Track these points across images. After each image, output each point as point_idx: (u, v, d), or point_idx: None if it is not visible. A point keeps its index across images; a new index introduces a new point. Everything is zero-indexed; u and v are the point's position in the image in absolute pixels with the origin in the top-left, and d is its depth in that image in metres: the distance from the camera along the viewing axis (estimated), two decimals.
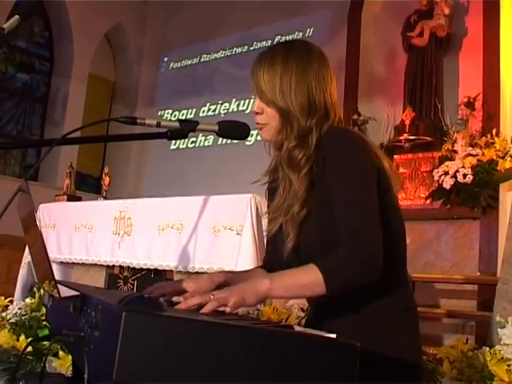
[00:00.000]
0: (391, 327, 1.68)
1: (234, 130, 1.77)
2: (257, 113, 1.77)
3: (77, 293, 1.47)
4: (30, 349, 3.47)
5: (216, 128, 1.72)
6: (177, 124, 1.68)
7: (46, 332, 1.33)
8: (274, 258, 1.88)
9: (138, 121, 1.65)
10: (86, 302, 1.26)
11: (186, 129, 1.68)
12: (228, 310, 1.40)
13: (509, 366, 2.76)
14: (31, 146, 8.91)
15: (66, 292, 1.56)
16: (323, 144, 1.68)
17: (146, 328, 0.97)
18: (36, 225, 1.50)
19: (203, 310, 1.34)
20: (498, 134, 6.28)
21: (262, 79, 1.73)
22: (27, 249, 4.87)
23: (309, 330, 1.30)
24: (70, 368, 3.31)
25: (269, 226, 1.86)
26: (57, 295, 1.47)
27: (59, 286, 1.52)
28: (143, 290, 1.72)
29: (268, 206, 1.91)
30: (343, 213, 1.59)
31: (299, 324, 3.05)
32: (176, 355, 0.98)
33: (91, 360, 1.09)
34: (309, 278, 1.52)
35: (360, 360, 1.08)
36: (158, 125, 1.67)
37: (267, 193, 1.93)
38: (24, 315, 4.21)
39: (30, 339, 3.80)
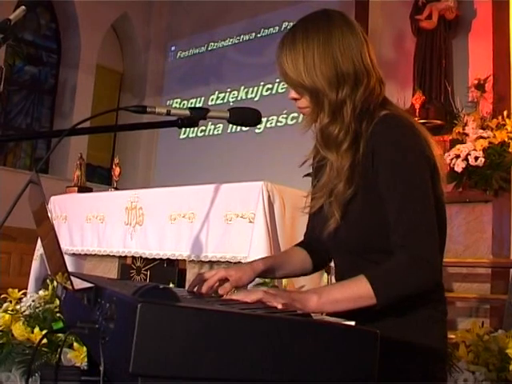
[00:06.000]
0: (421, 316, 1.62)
1: (245, 116, 1.74)
2: (294, 99, 1.70)
3: (90, 284, 1.46)
4: (44, 341, 3.48)
5: (227, 115, 1.69)
6: (187, 112, 1.66)
7: (61, 324, 1.32)
8: (312, 235, 1.84)
9: (148, 109, 1.62)
10: (100, 294, 1.25)
11: (197, 116, 1.66)
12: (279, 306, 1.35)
13: None
14: (41, 137, 8.91)
15: (79, 284, 1.55)
16: (373, 130, 1.60)
17: (161, 319, 0.96)
18: (48, 217, 1.48)
19: (247, 299, 1.35)
20: (509, 116, 6.21)
21: (286, 63, 1.65)
22: (39, 241, 4.88)
23: (326, 318, 1.28)
24: (85, 359, 3.32)
25: (311, 203, 1.77)
26: (70, 287, 1.46)
27: (72, 277, 1.51)
28: (156, 279, 1.71)
29: (312, 184, 1.82)
30: (399, 214, 1.53)
31: None
32: (192, 346, 0.97)
33: (107, 352, 1.08)
34: (359, 292, 1.46)
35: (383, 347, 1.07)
36: (168, 113, 1.65)
37: (313, 171, 1.85)
38: (38, 307, 4.22)
39: (44, 331, 3.81)
